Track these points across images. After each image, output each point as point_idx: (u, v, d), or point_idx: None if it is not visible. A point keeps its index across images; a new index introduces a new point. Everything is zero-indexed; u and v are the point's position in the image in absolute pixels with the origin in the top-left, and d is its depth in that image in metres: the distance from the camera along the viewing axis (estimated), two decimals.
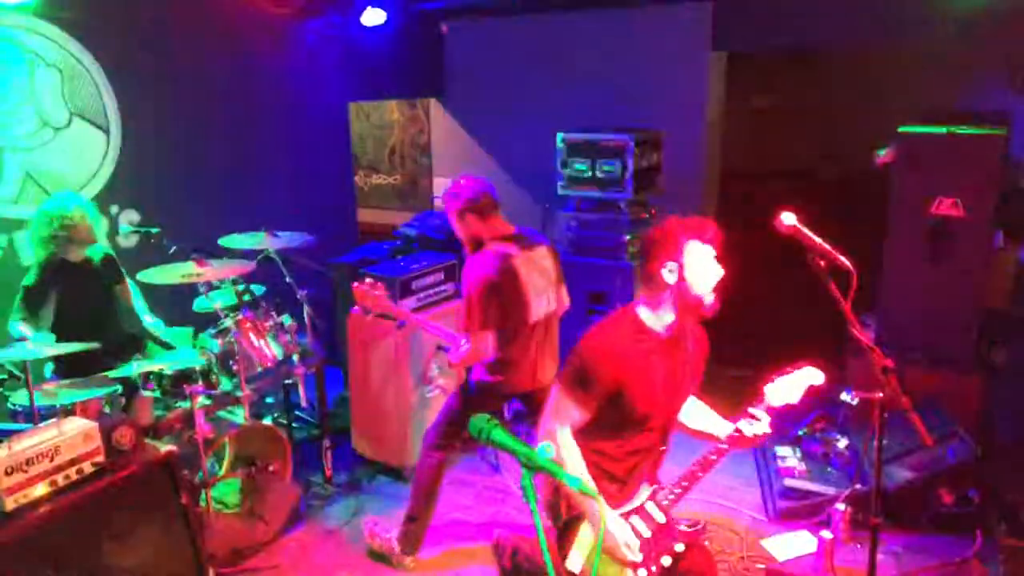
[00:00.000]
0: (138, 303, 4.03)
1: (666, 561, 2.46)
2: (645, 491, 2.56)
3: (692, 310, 2.45)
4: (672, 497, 2.52)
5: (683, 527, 2.53)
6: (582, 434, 2.46)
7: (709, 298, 2.42)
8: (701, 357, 2.65)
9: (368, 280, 3.45)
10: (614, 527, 2.41)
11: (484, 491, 4.18)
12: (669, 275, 2.39)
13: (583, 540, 2.46)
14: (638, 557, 2.42)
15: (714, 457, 2.50)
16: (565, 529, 2.49)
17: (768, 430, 2.51)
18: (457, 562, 3.61)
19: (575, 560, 2.45)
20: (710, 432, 2.63)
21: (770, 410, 2.52)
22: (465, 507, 4.02)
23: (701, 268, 2.40)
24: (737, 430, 2.52)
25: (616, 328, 2.48)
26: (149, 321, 4.01)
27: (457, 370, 3.53)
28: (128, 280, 4.00)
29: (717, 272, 2.43)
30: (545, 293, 3.36)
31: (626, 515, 2.49)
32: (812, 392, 2.58)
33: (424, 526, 3.54)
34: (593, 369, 2.39)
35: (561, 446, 2.39)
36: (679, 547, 2.49)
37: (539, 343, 3.39)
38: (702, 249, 2.41)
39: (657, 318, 2.47)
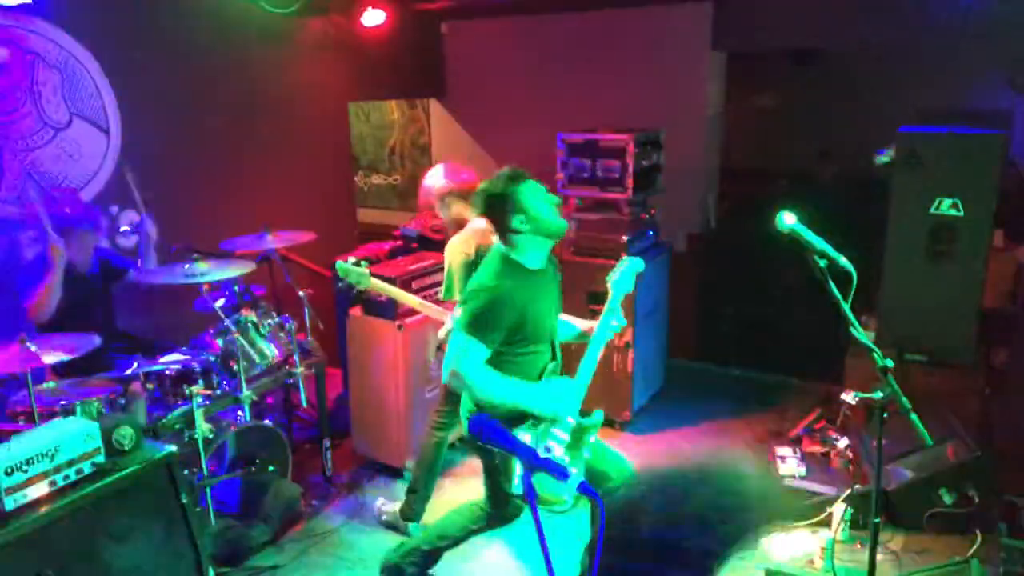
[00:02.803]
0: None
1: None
2: None
3: (555, 237, 2.82)
4: None
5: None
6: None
7: (561, 223, 2.80)
8: (558, 280, 3.05)
9: (351, 258, 3.74)
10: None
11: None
12: (523, 224, 2.73)
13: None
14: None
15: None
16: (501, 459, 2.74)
17: (625, 322, 2.96)
18: None
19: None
20: (585, 338, 3.00)
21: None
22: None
23: (542, 202, 2.76)
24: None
25: (498, 271, 2.78)
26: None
27: None
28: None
29: (553, 198, 2.81)
30: None
31: None
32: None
33: (424, 498, 3.79)
34: (492, 309, 2.68)
35: (481, 378, 2.67)
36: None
37: None
38: (533, 187, 2.76)
39: (522, 255, 2.80)
